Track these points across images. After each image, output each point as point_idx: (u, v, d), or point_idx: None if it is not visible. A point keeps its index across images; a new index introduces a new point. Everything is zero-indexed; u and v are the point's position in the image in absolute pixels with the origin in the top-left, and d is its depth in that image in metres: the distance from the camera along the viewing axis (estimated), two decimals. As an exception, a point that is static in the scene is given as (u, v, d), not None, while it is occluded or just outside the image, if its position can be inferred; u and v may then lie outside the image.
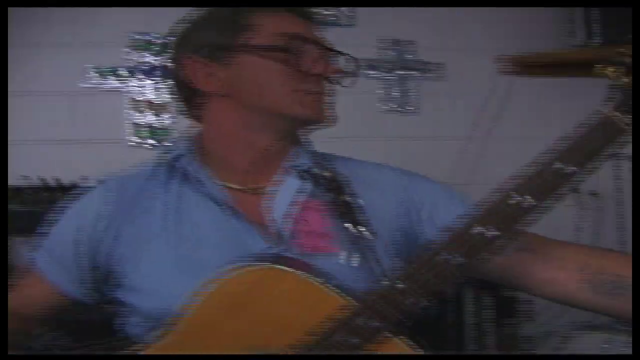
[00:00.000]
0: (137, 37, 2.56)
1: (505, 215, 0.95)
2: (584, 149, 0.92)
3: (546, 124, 2.56)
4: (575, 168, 0.92)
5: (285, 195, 1.12)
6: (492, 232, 0.95)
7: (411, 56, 2.68)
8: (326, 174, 1.14)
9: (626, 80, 0.88)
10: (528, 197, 0.94)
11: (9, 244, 1.18)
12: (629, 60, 0.88)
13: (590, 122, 0.92)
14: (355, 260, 1.08)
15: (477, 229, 0.95)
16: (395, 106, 2.70)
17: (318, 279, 1.00)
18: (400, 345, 0.98)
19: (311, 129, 1.17)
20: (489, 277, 1.17)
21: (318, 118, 1.13)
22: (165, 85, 1.20)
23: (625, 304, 1.05)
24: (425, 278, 0.96)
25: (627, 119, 0.89)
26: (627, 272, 1.05)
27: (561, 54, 2.38)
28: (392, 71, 2.66)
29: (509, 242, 0.98)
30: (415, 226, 1.16)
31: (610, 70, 0.90)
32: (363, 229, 1.09)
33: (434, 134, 2.60)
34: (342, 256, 1.09)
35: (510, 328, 2.05)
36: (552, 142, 1.00)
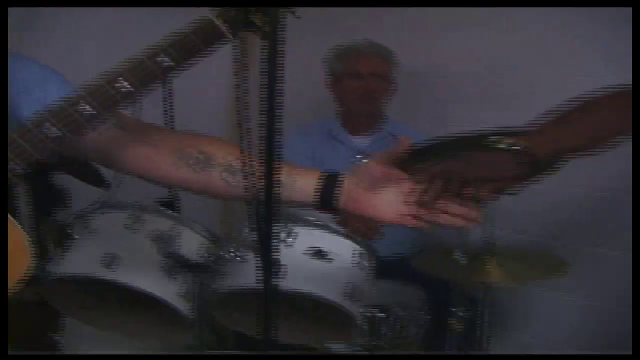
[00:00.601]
0: None
1: (105, 97, 1.06)
2: (185, 46, 1.07)
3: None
4: (172, 62, 1.07)
5: None
6: (89, 111, 1.06)
7: None
8: None
9: None
10: (126, 83, 1.06)
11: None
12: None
13: (195, 24, 1.07)
14: None
15: (78, 106, 1.05)
16: None
17: None
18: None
19: None
20: (86, 154, 1.29)
21: None
22: None
23: (203, 178, 1.26)
24: (21, 148, 1.04)
25: (225, 27, 1.06)
26: (209, 149, 1.27)
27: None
28: None
29: (106, 121, 1.11)
30: (12, 101, 1.19)
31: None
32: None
33: None
34: None
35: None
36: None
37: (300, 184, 1.25)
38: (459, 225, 1.21)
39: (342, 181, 1.24)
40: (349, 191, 1.24)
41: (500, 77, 2.66)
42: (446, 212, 1.21)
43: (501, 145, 1.29)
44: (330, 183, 1.24)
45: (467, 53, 2.75)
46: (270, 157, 0.76)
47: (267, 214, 0.81)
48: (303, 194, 1.25)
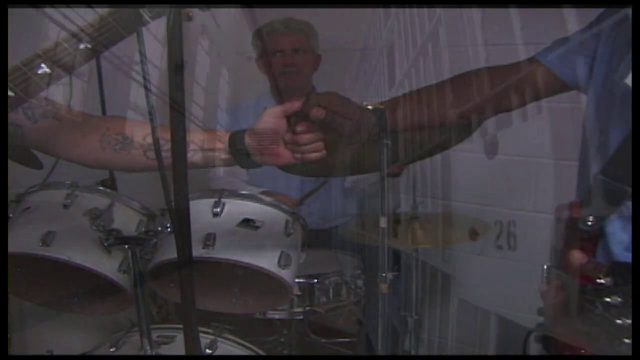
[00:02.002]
0: None
1: (27, 83, 1.11)
2: (102, 29, 1.11)
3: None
4: (91, 45, 1.11)
5: None
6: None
7: None
8: None
9: None
10: (43, 66, 1.10)
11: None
12: None
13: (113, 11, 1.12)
14: None
15: None
16: None
17: None
18: None
19: None
20: (25, 142, 1.35)
21: None
22: None
23: (126, 158, 1.36)
24: None
25: (147, 15, 1.10)
26: (127, 130, 1.37)
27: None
28: None
29: (22, 105, 1.15)
30: None
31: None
32: None
33: None
34: None
35: None
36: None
37: (210, 145, 1.37)
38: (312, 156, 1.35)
39: (244, 134, 1.36)
40: (254, 143, 1.36)
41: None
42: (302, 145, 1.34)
43: (366, 105, 1.43)
44: (236, 138, 1.36)
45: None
46: (176, 122, 0.83)
47: (177, 179, 0.87)
48: (215, 153, 1.37)
